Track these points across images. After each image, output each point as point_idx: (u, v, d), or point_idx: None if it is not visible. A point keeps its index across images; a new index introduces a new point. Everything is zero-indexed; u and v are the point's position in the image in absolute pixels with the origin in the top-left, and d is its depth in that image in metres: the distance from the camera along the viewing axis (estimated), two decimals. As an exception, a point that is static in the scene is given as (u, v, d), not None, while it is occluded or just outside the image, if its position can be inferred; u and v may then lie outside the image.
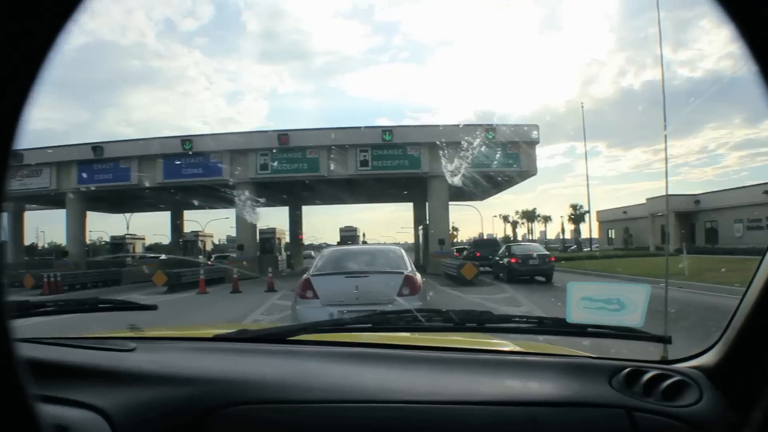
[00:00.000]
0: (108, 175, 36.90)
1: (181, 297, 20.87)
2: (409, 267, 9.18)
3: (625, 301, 1.87)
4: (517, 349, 2.12)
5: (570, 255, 44.46)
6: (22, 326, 2.12)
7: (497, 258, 27.79)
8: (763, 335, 1.45)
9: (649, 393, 1.63)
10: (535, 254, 25.07)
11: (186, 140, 34.87)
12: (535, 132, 34.71)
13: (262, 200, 33.85)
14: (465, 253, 37.88)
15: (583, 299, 1.91)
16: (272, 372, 1.79)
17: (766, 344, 1.45)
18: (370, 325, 2.15)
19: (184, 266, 29.24)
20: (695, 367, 1.72)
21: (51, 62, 0.75)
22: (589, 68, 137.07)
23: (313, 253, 47.17)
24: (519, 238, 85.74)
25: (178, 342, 2.19)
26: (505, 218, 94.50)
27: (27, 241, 57.41)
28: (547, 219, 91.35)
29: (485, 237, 52.98)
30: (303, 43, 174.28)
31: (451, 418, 1.60)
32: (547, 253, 26.84)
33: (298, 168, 34.77)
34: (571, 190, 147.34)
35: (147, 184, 36.18)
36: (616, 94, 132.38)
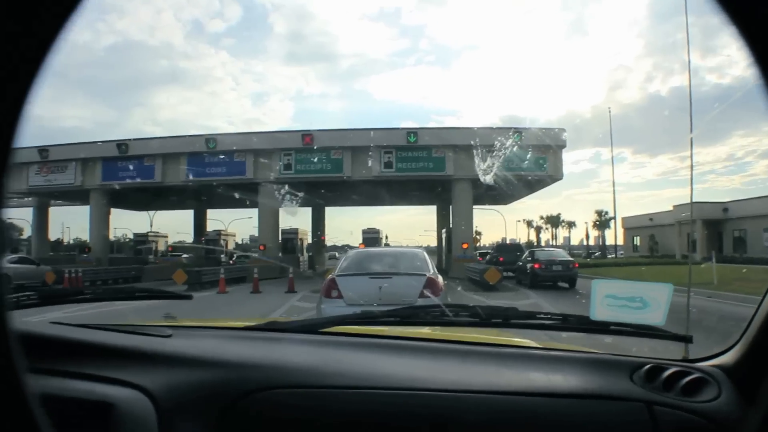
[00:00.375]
0: (132, 173, 36.98)
1: (201, 296, 20.57)
2: (431, 269, 9.35)
3: (648, 300, 1.90)
4: (541, 345, 2.13)
5: (595, 261, 43.92)
6: (62, 315, 2.18)
7: (520, 263, 27.49)
8: None
9: (669, 389, 1.67)
10: (558, 260, 24.69)
11: (210, 139, 34.88)
12: (563, 135, 34.28)
13: (300, 194, 33.46)
14: (488, 257, 37.56)
15: (607, 297, 1.94)
16: (304, 359, 1.86)
17: None
18: (397, 319, 2.20)
19: (206, 264, 29.27)
20: (715, 366, 1.76)
21: (51, 62, 0.76)
22: (616, 73, 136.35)
23: (338, 254, 47.09)
24: (543, 243, 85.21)
25: (213, 330, 2.28)
26: (529, 223, 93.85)
27: (53, 237, 57.88)
28: (571, 225, 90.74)
29: (508, 242, 52.55)
30: (329, 45, 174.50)
31: (476, 406, 1.65)
32: (570, 259, 26.44)
33: (321, 168, 34.61)
34: (596, 196, 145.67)
35: (171, 182, 36.39)
36: (643, 99, 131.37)
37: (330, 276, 9.26)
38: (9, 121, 0.74)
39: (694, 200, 49.44)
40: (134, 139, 37.24)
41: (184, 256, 44.76)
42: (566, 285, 23.79)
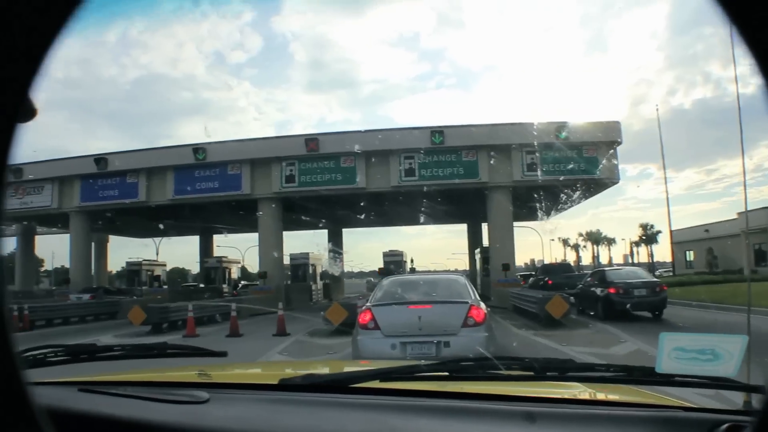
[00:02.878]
0: (113, 191, 32.13)
1: (161, 341, 15.13)
2: (474, 296, 8.83)
3: (720, 352, 1.71)
4: (603, 397, 2.07)
5: (669, 280, 37.45)
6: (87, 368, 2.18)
7: (581, 286, 21.85)
8: None
9: None
10: (641, 281, 18.85)
11: (199, 149, 29.56)
12: (616, 130, 28.35)
13: (306, 211, 28.07)
14: (531, 280, 31.62)
15: (676, 350, 1.75)
16: (347, 429, 1.70)
17: None
18: (446, 374, 2.08)
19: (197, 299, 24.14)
20: None
21: (46, 69, 0.75)
22: (638, 88, 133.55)
23: (373, 279, 43.93)
24: (583, 263, 78.90)
25: (248, 392, 2.11)
26: (565, 241, 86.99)
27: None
28: (611, 241, 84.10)
29: (545, 262, 46.92)
30: (350, 72, 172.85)
31: None
32: (655, 280, 20.63)
33: (330, 179, 29.01)
34: (622, 213, 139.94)
35: (157, 201, 31.45)
36: (666, 113, 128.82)
37: (365, 306, 8.80)
38: (7, 126, 0.72)
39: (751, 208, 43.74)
40: (113, 153, 32.12)
41: (188, 285, 39.65)
42: (648, 314, 18.04)
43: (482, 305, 8.57)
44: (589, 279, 21.93)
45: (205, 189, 30.39)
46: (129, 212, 33.96)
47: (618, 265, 68.86)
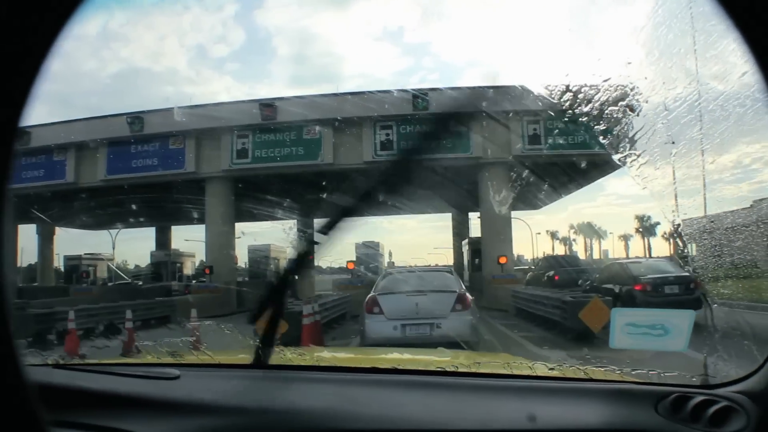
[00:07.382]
0: (38, 172, 26.82)
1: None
2: (461, 286, 10.52)
3: (670, 327, 1.89)
4: (558, 374, 2.09)
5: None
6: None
7: (590, 283, 17.62)
8: None
9: (696, 419, 1.61)
10: (672, 277, 14.85)
11: (135, 119, 24.56)
12: (631, 94, 23.52)
13: (260, 193, 23.46)
14: (530, 275, 26.84)
15: (627, 325, 1.93)
16: (316, 401, 1.80)
17: None
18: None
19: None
20: (741, 392, 1.68)
21: (50, 63, 0.77)
22: (621, 83, 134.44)
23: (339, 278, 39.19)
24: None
25: (221, 370, 2.26)
26: (553, 234, 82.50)
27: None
28: (602, 235, 79.91)
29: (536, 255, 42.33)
30: (333, 66, 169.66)
31: None
32: (687, 274, 16.27)
33: (290, 154, 24.23)
34: (603, 209, 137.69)
35: (88, 183, 26.57)
36: (647, 110, 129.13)
37: (371, 294, 10.24)
38: (10, 122, 0.74)
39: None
40: (38, 125, 26.92)
41: (123, 282, 34.58)
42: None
43: (468, 294, 10.16)
44: (604, 274, 17.53)
45: (142, 167, 25.53)
46: (60, 197, 28.77)
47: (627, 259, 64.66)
